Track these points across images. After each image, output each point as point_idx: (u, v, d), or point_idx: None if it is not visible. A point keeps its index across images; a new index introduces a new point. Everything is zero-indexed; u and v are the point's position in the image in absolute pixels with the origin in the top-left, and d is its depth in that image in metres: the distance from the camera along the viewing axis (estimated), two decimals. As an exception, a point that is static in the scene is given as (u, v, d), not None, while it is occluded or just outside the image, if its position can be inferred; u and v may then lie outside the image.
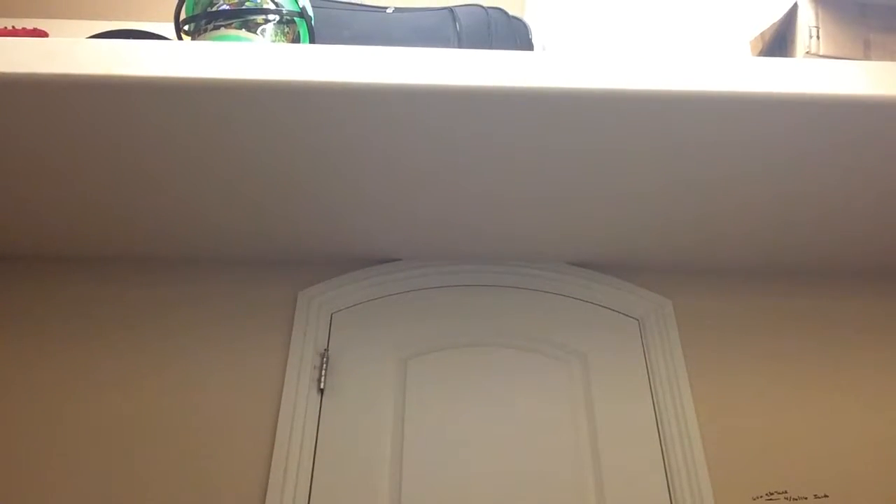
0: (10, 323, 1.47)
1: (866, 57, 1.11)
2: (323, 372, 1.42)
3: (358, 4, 1.35)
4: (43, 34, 1.23)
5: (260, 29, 1.13)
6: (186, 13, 1.18)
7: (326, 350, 1.46)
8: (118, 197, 1.26)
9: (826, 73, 1.01)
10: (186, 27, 1.17)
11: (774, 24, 1.17)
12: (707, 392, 1.44)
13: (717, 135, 1.07)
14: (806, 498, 1.34)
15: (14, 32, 1.27)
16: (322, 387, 1.41)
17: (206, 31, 1.13)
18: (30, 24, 1.41)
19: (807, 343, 1.52)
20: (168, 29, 1.21)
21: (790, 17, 1.14)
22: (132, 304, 1.51)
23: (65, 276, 1.54)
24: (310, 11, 1.19)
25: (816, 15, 1.11)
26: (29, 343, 1.44)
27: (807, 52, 1.10)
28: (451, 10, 1.33)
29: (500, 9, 1.32)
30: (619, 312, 1.55)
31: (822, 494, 1.34)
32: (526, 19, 1.41)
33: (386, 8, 1.35)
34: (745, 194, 1.26)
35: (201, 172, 1.18)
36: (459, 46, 1.26)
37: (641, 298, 1.56)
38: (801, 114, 1.02)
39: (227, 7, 1.14)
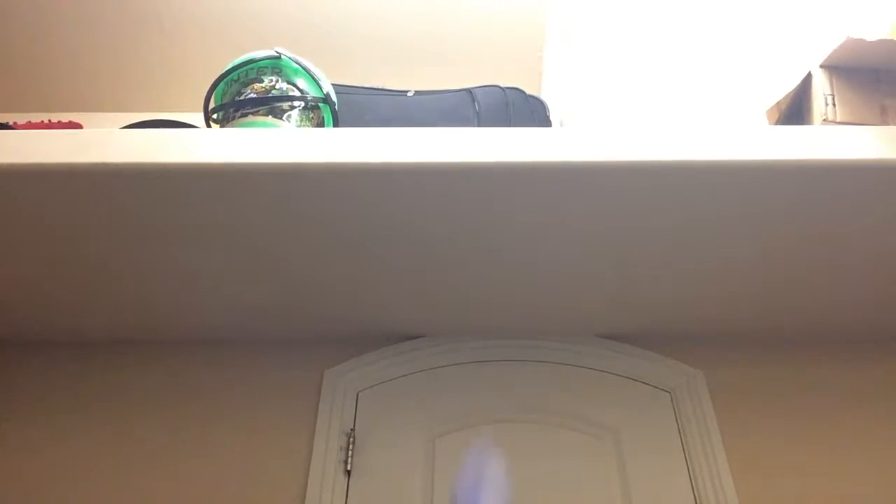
0: (29, 410, 1.47)
1: (883, 122, 1.11)
2: (350, 453, 1.38)
3: (379, 89, 1.40)
4: (77, 126, 1.27)
5: (286, 115, 1.17)
6: (215, 102, 1.22)
7: (353, 430, 1.42)
8: (141, 279, 1.28)
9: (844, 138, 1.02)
10: (215, 116, 1.21)
11: (790, 93, 1.18)
12: (743, 461, 1.39)
13: (741, 205, 1.07)
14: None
15: (50, 125, 1.32)
16: (349, 468, 1.37)
17: (234, 118, 1.17)
18: (65, 117, 1.46)
19: (842, 408, 1.48)
20: (197, 118, 1.25)
21: (805, 86, 1.16)
22: (153, 387, 1.50)
23: (80, 361, 1.54)
24: (334, 97, 1.23)
25: (831, 83, 1.12)
26: (46, 429, 1.44)
27: (824, 120, 1.11)
28: (469, 91, 1.37)
29: (517, 89, 1.36)
30: (650, 385, 1.51)
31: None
32: (543, 97, 1.45)
33: (406, 91, 1.39)
34: (766, 263, 1.24)
35: (227, 255, 1.20)
36: (479, 126, 1.29)
37: (672, 370, 1.52)
38: (823, 179, 1.02)
39: (254, 95, 1.18)
